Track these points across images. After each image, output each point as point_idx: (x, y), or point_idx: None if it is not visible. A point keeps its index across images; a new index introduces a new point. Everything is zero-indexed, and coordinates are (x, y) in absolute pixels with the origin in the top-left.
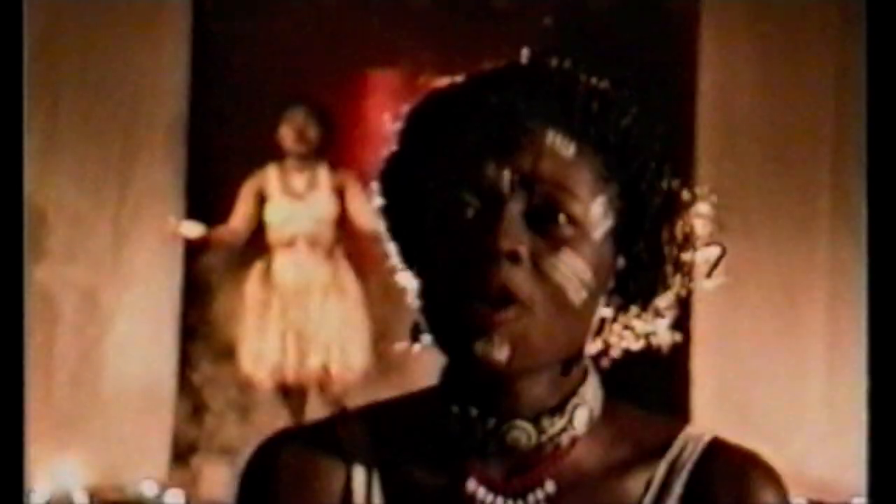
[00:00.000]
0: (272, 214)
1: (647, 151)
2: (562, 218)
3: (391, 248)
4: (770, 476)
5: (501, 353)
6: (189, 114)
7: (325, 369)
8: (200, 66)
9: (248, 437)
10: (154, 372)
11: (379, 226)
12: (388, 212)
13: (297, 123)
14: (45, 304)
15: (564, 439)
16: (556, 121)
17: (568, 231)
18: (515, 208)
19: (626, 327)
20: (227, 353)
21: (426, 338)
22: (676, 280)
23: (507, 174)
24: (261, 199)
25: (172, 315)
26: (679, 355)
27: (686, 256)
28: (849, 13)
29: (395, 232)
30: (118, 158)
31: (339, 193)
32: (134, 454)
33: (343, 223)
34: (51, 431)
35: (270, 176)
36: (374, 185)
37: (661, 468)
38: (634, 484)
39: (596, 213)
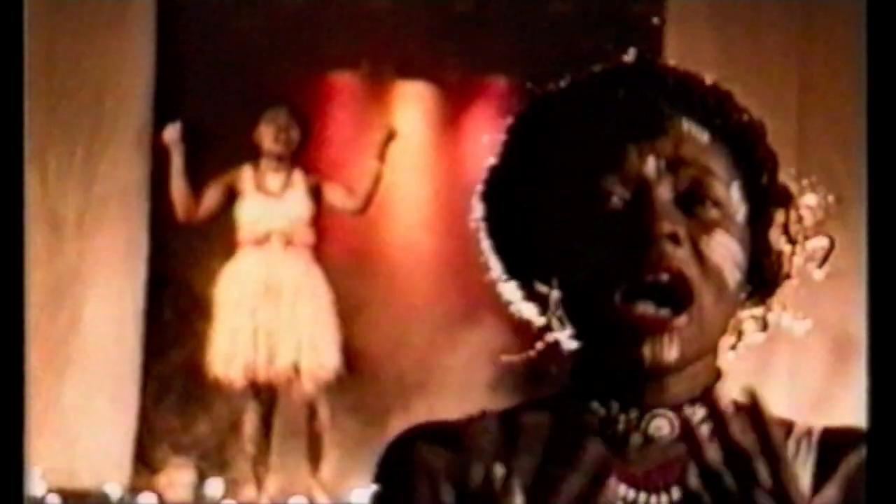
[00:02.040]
0: (245, 211)
1: (765, 146)
2: (708, 201)
3: (494, 261)
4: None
5: (671, 355)
6: (154, 115)
7: (296, 368)
8: (166, 67)
9: (215, 436)
10: (118, 372)
11: (482, 242)
12: (493, 224)
13: (280, 121)
14: None
15: (704, 430)
16: (687, 111)
17: (715, 213)
18: (664, 193)
19: (754, 318)
20: (194, 353)
21: (551, 336)
22: (794, 270)
23: (652, 160)
24: (230, 196)
25: (137, 315)
26: None
27: (799, 247)
28: (812, 15)
29: (504, 244)
30: (83, 158)
31: (315, 193)
32: (97, 455)
33: (317, 224)
34: None
35: (244, 175)
36: (477, 201)
37: (786, 460)
38: (762, 476)
39: (736, 197)
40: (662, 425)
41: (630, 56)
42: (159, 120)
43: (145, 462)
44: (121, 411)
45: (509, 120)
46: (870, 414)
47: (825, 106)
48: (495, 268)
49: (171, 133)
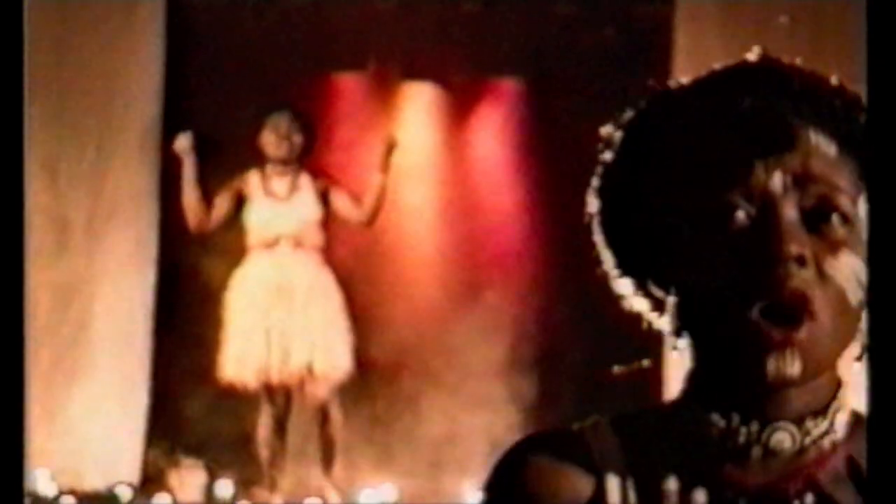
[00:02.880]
0: (254, 215)
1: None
2: (835, 218)
3: (606, 255)
4: None
5: (794, 369)
6: (163, 118)
7: (309, 369)
8: (175, 70)
9: (226, 436)
10: (128, 373)
11: (595, 234)
12: (607, 220)
13: (281, 129)
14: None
15: (826, 443)
16: (815, 120)
17: (842, 231)
18: (790, 210)
19: None
20: (205, 354)
21: (681, 343)
22: None
23: (778, 175)
24: (239, 201)
25: (146, 317)
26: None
27: None
28: (819, 15)
29: (616, 240)
30: (92, 161)
31: (323, 197)
32: (107, 456)
33: (327, 226)
34: None
35: (251, 179)
36: (590, 196)
37: None
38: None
39: (864, 211)
40: (783, 438)
41: (753, 55)
42: (168, 123)
43: (156, 463)
44: (131, 412)
45: (628, 115)
46: (870, 413)
47: None
48: (607, 262)
49: (183, 142)
